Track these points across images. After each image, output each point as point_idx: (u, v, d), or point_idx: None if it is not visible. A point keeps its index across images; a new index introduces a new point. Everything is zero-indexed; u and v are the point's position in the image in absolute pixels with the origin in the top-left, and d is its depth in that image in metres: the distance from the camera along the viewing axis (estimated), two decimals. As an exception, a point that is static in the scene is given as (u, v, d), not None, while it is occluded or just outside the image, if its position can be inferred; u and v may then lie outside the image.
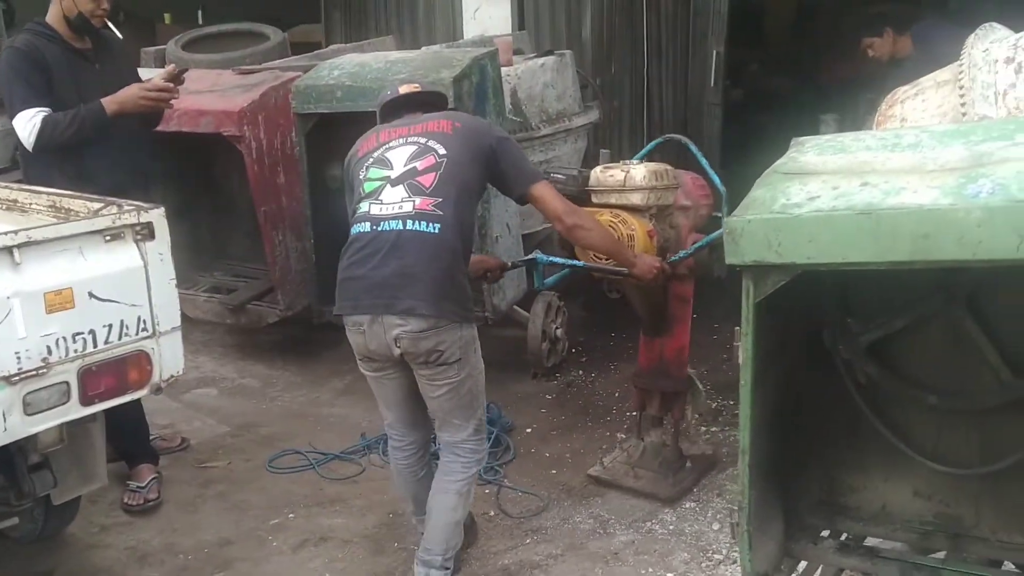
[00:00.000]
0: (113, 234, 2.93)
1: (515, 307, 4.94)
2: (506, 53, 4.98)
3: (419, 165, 3.05)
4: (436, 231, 2.94)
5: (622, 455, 4.11)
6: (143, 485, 3.99)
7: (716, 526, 3.67)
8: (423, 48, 5.59)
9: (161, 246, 3.03)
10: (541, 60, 5.29)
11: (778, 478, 2.79)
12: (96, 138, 3.76)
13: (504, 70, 4.78)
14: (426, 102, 3.34)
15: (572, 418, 4.70)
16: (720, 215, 3.72)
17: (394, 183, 3.05)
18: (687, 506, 3.83)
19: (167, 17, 10.80)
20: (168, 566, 3.60)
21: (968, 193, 2.08)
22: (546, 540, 3.66)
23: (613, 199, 3.43)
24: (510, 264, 3.77)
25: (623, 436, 4.40)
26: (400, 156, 3.11)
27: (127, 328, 2.96)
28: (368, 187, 3.10)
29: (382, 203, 3.03)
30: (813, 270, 2.29)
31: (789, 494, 2.91)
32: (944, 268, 2.20)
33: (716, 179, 3.81)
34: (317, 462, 4.34)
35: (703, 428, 4.47)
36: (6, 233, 2.76)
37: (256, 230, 5.68)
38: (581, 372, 5.23)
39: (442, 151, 3.06)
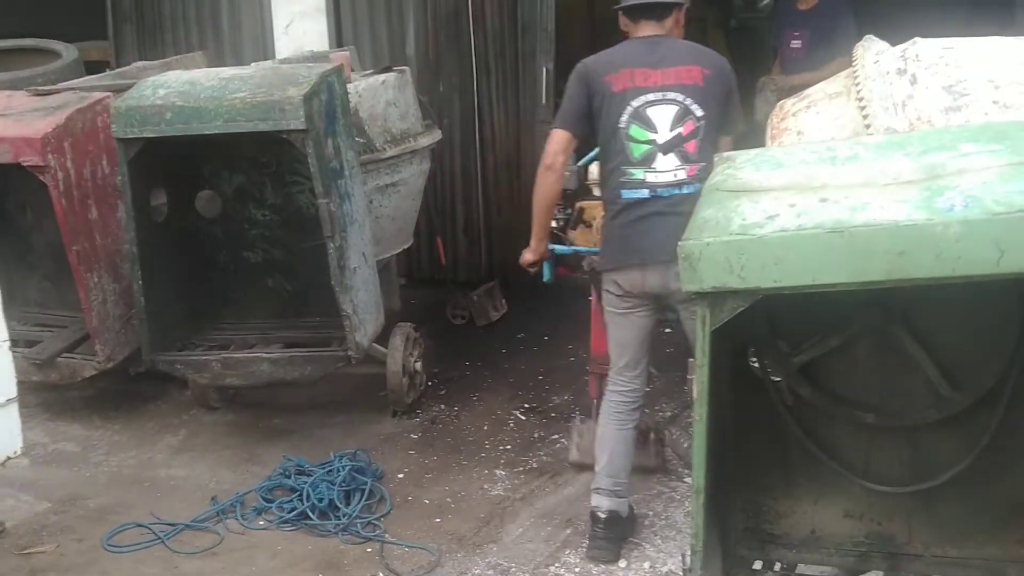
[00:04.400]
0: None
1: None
2: (346, 70, 4.62)
3: (683, 131, 3.35)
4: (698, 191, 3.06)
5: (584, 441, 4.08)
6: None
7: (623, 563, 3.50)
8: (254, 64, 5.13)
9: (-12, 303, 2.50)
10: (382, 77, 4.95)
11: (714, 510, 2.64)
12: None
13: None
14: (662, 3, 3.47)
15: (445, 458, 4.38)
16: None
17: (664, 151, 3.35)
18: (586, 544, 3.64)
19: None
20: None
21: (941, 207, 2.00)
22: (444, 598, 3.36)
23: None
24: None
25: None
26: (663, 119, 3.35)
27: (-51, 407, 2.42)
28: (636, 151, 3.36)
29: (656, 172, 3.35)
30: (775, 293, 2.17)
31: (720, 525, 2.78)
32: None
33: None
34: (165, 535, 3.78)
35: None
36: None
37: (56, 273, 5.06)
38: (443, 406, 4.92)
39: (700, 113, 3.35)
